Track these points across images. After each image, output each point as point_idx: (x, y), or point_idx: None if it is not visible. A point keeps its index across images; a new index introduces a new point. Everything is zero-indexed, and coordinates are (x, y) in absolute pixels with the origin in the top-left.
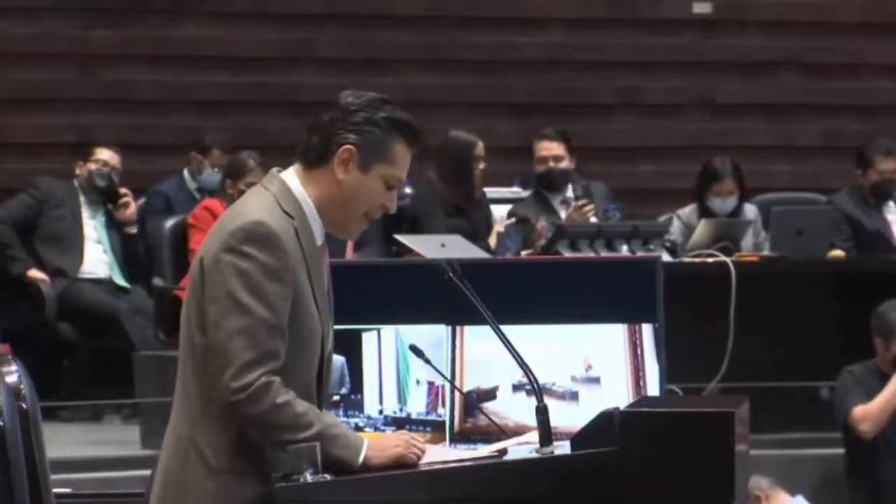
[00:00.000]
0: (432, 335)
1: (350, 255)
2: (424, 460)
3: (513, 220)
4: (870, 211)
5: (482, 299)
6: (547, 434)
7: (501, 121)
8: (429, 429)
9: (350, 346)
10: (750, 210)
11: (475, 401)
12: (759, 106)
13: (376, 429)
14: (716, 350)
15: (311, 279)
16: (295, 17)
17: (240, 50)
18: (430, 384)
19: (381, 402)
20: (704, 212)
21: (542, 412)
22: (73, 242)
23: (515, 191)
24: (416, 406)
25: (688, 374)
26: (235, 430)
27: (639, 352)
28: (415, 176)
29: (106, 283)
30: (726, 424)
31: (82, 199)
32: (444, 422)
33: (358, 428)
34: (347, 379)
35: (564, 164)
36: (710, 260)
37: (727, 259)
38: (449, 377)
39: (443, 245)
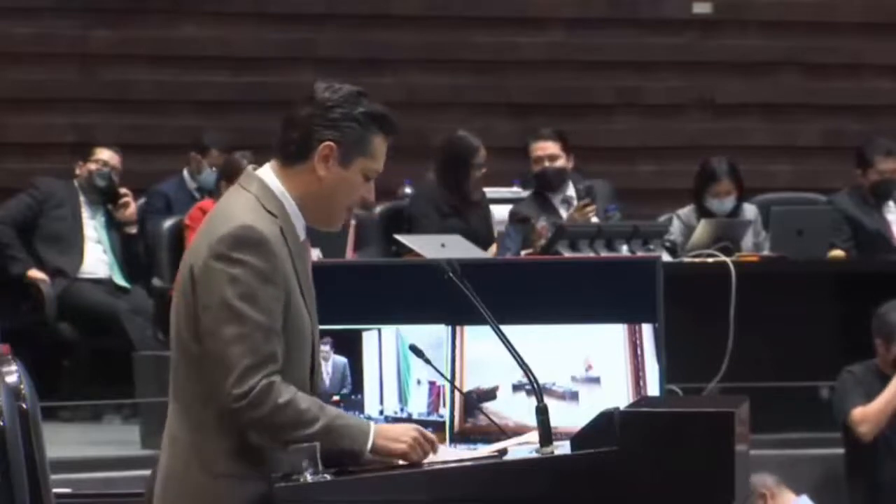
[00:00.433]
0: (432, 335)
1: (350, 255)
2: (430, 459)
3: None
4: (870, 211)
5: (482, 299)
6: (547, 434)
7: (501, 121)
8: (430, 429)
9: (350, 346)
10: (750, 210)
11: (475, 401)
12: (759, 106)
13: None
14: (716, 350)
15: (298, 276)
16: (295, 17)
17: (240, 50)
18: (432, 384)
19: (381, 402)
20: (703, 212)
21: (542, 412)
22: (73, 242)
23: (515, 191)
24: (418, 406)
25: (688, 374)
26: (236, 435)
27: (639, 352)
28: (415, 176)
29: (106, 283)
30: (726, 424)
31: (82, 199)
32: (444, 422)
33: None
34: (349, 379)
35: (560, 163)
36: (710, 260)
37: (727, 259)
38: (449, 377)
39: (443, 245)
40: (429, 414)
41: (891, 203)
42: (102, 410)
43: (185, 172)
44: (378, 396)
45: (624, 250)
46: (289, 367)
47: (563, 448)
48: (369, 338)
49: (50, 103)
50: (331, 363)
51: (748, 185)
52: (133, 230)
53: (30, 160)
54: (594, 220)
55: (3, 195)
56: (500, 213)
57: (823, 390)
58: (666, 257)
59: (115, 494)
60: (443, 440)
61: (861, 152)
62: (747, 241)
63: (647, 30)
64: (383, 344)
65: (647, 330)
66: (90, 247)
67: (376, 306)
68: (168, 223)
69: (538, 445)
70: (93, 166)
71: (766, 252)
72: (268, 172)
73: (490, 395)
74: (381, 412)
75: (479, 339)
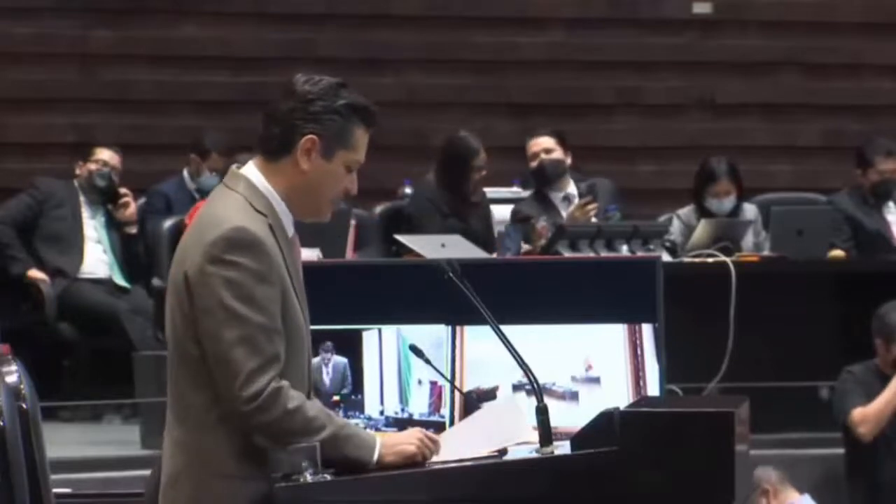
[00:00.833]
0: (432, 335)
1: (350, 255)
2: (439, 453)
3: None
4: (870, 211)
5: (482, 299)
6: (547, 434)
7: (501, 121)
8: (431, 430)
9: (351, 346)
10: (750, 210)
11: (475, 401)
12: (759, 106)
13: (377, 430)
14: (716, 350)
15: (290, 274)
16: (295, 17)
17: (240, 50)
18: (433, 384)
19: (382, 402)
20: (703, 212)
21: (542, 412)
22: (73, 242)
23: (515, 191)
24: (418, 406)
25: (688, 374)
26: (239, 436)
27: (639, 352)
28: (415, 176)
29: (106, 283)
30: (726, 424)
31: (82, 199)
32: (445, 422)
33: None
34: (349, 379)
35: (556, 155)
36: (710, 260)
37: (727, 259)
38: (449, 377)
39: (443, 245)
40: (430, 414)
41: (891, 203)
42: (102, 410)
43: (185, 173)
44: (378, 396)
45: (624, 250)
46: (287, 366)
47: (563, 448)
48: (370, 338)
49: (50, 103)
50: (331, 363)
51: (748, 185)
52: (133, 230)
53: (30, 160)
54: (594, 219)
55: (3, 195)
56: (501, 213)
57: (823, 390)
58: (666, 257)
59: (115, 494)
60: None
61: (861, 152)
62: (747, 241)
63: (647, 30)
64: (384, 344)
65: (647, 330)
66: (90, 247)
67: (376, 306)
68: (168, 223)
69: (538, 445)
70: (93, 166)
71: (766, 252)
72: (252, 170)
73: (490, 395)
74: (382, 412)
75: (479, 339)
